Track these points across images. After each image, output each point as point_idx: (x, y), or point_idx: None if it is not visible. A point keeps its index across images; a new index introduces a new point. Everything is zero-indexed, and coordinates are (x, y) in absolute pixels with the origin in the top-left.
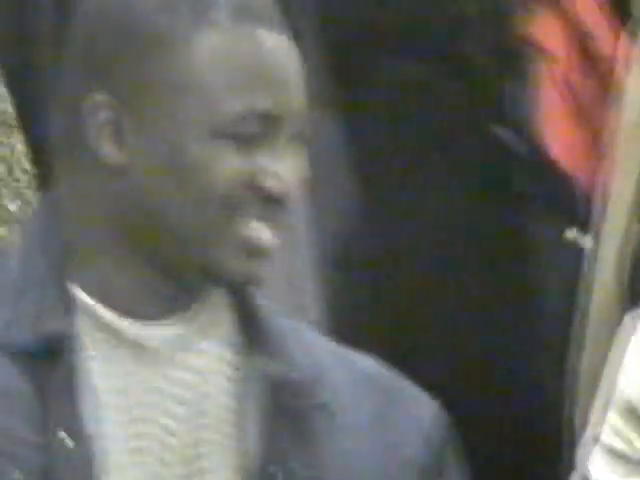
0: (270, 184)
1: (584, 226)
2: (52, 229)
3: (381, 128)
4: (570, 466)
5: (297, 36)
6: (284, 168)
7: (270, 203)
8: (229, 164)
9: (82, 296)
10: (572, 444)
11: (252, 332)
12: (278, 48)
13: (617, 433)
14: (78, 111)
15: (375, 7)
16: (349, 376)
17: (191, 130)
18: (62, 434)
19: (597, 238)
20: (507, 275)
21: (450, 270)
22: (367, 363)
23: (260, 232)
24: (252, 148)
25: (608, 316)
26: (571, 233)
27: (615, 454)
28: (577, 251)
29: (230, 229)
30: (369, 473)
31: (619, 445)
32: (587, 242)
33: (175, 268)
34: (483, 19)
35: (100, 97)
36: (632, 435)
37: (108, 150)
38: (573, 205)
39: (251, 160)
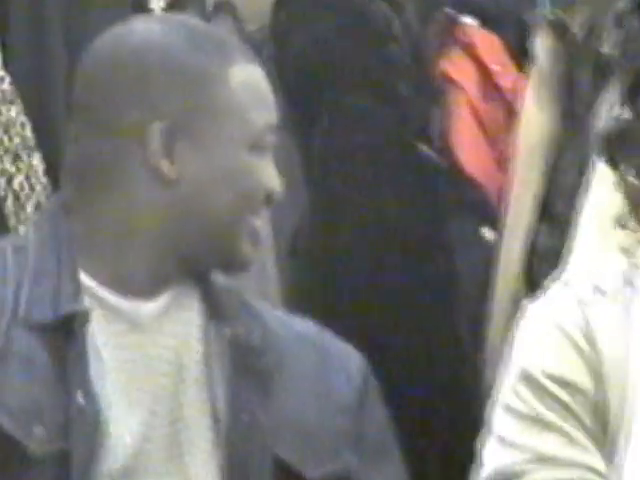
0: (276, 186)
1: (494, 224)
2: (61, 227)
3: (328, 146)
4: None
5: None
6: (275, 171)
7: (271, 200)
8: (260, 169)
9: (88, 281)
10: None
11: (214, 306)
12: (265, 77)
13: (516, 395)
14: (135, 134)
15: (326, 51)
16: (292, 338)
17: (233, 144)
18: (78, 394)
19: (504, 234)
20: (431, 264)
21: (382, 259)
22: (305, 326)
23: (259, 224)
24: (263, 156)
25: (511, 296)
26: (486, 232)
27: (509, 410)
28: (490, 245)
29: (249, 223)
30: (310, 415)
31: (516, 404)
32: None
33: (194, 258)
34: (410, 59)
35: (156, 124)
36: (524, 392)
37: (163, 166)
38: (485, 208)
39: (265, 166)
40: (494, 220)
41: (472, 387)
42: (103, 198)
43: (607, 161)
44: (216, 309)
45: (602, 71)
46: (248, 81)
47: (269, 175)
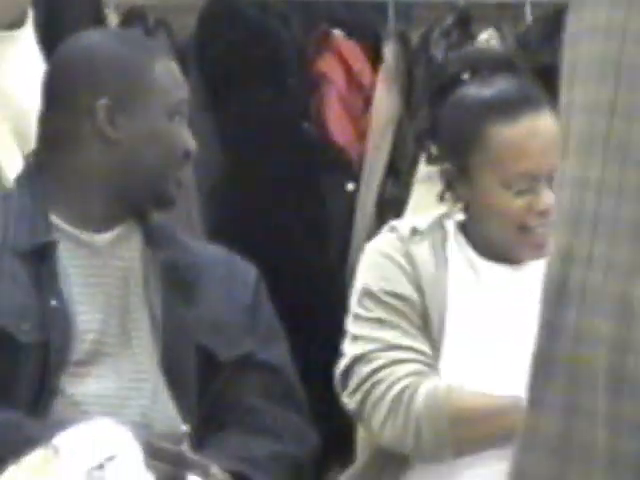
0: (191, 145)
1: (355, 180)
2: (36, 181)
3: (237, 122)
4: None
5: (187, 72)
6: (190, 135)
7: (187, 156)
8: (177, 132)
9: (58, 220)
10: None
11: (152, 238)
12: (177, 67)
13: (362, 306)
14: (87, 109)
15: (235, 54)
16: (208, 259)
17: (156, 113)
18: (53, 301)
19: (362, 187)
20: (309, 208)
21: (274, 204)
22: (218, 250)
23: (182, 175)
24: (180, 123)
25: (367, 233)
26: (349, 186)
27: (359, 317)
28: (352, 195)
29: (174, 173)
30: (222, 313)
31: (363, 313)
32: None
33: (134, 200)
34: (295, 60)
35: (103, 100)
36: (368, 303)
37: (108, 131)
38: (348, 168)
39: (181, 130)
40: (355, 177)
41: (338, 300)
42: (65, 157)
43: (419, 147)
44: (153, 240)
45: (433, 67)
46: (167, 70)
47: (185, 137)
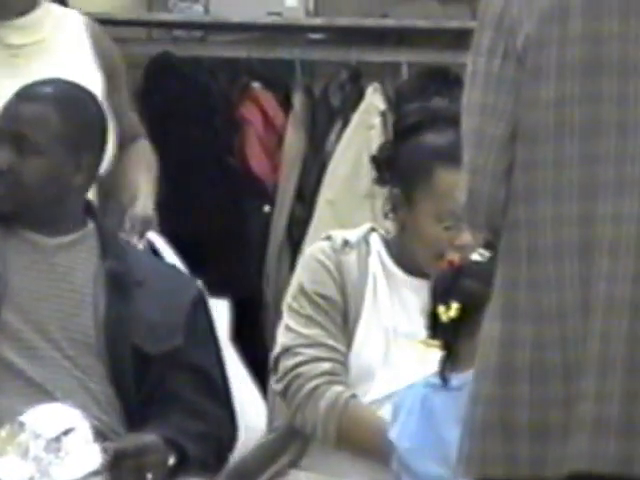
0: None
1: (270, 203)
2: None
3: (174, 155)
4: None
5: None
6: None
7: None
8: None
9: (21, 229)
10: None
11: (104, 245)
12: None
13: (297, 301)
14: None
15: (176, 103)
16: (150, 267)
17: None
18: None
19: (275, 209)
20: (233, 227)
21: (207, 224)
22: (164, 263)
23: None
24: None
25: (279, 245)
26: (266, 208)
27: (293, 310)
28: (268, 216)
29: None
30: (157, 316)
31: (297, 308)
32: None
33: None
34: (222, 106)
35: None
36: (301, 301)
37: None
38: (265, 194)
39: None
40: (271, 201)
41: (256, 298)
42: None
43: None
44: (105, 249)
45: (331, 113)
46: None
47: None
